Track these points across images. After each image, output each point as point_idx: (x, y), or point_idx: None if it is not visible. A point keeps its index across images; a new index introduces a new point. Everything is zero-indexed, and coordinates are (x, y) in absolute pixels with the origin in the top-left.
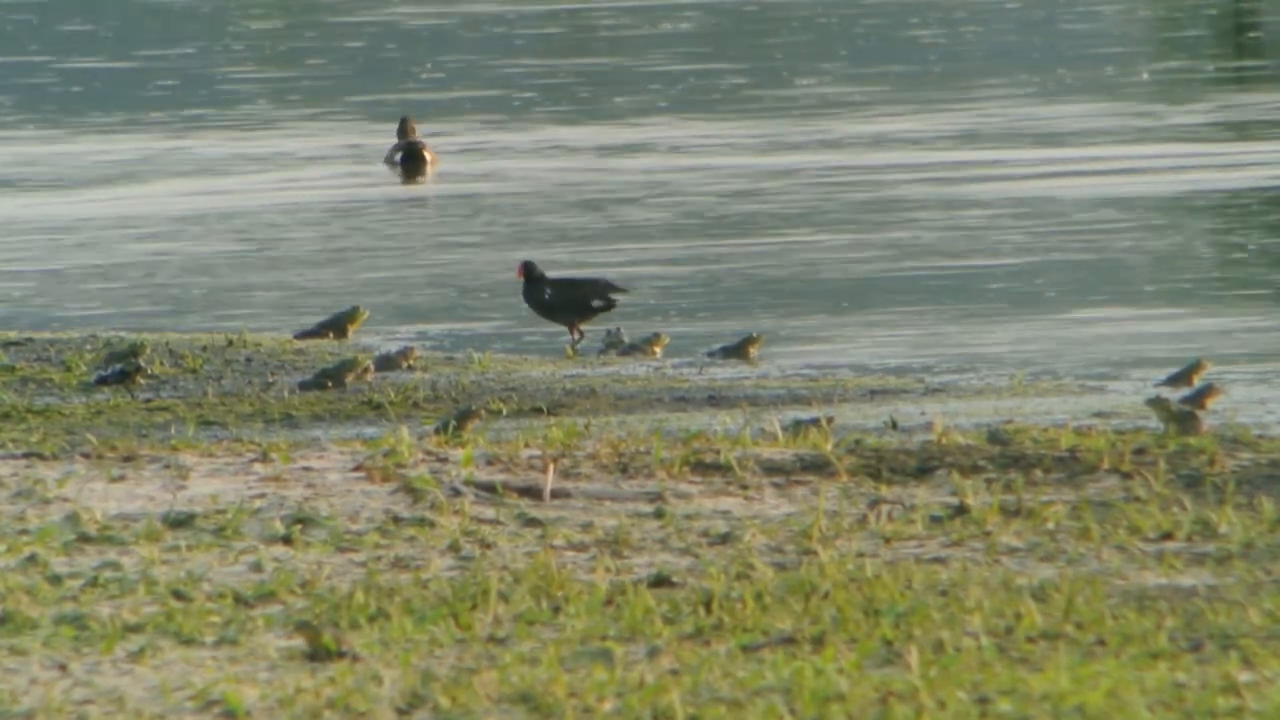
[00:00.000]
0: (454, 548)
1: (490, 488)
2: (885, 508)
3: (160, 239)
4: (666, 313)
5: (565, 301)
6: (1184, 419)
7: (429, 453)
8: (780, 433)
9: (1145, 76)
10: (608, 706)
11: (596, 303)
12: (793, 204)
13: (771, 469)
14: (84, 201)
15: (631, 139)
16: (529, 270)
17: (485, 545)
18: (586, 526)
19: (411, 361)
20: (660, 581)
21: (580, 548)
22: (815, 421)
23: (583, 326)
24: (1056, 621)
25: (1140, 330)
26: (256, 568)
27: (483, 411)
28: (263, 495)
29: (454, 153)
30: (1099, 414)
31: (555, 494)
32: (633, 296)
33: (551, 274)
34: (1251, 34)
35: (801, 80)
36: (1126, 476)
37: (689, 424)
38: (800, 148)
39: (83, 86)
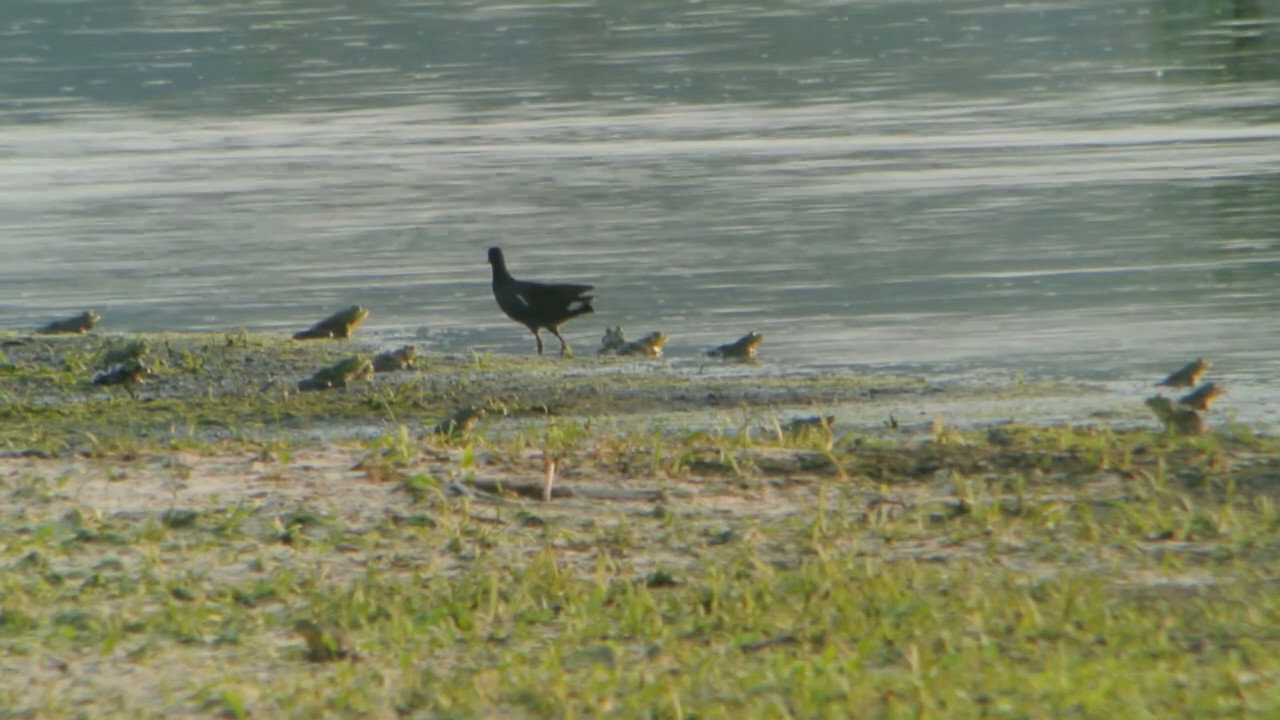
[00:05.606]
0: (454, 547)
1: (491, 487)
2: (885, 507)
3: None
4: (672, 313)
5: (543, 307)
6: (1184, 419)
7: (429, 452)
8: (780, 432)
9: (1159, 74)
10: (608, 706)
11: (574, 305)
12: (791, 202)
13: (772, 469)
14: None
15: (624, 127)
16: (496, 259)
17: (485, 545)
18: (587, 526)
19: (411, 361)
20: (660, 581)
21: (581, 547)
22: (815, 421)
23: (560, 330)
24: (1056, 621)
25: (1140, 330)
26: (256, 567)
27: (483, 411)
28: (263, 494)
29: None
30: (1099, 414)
31: (556, 493)
32: (634, 296)
33: (520, 279)
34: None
35: (808, 78)
36: (1126, 476)
37: (689, 423)
38: (798, 139)
39: None
